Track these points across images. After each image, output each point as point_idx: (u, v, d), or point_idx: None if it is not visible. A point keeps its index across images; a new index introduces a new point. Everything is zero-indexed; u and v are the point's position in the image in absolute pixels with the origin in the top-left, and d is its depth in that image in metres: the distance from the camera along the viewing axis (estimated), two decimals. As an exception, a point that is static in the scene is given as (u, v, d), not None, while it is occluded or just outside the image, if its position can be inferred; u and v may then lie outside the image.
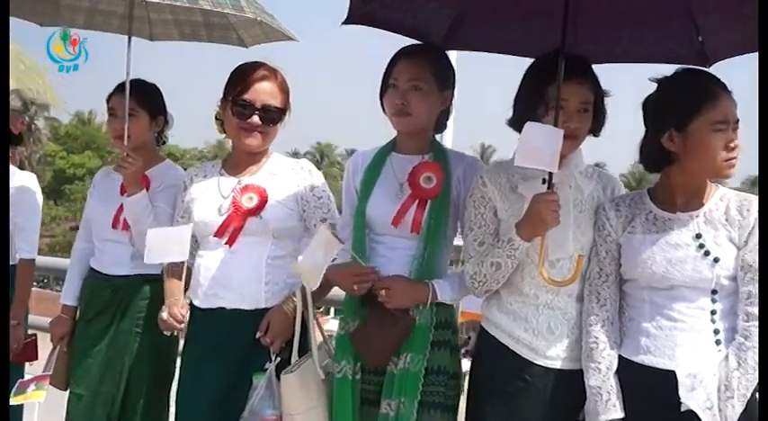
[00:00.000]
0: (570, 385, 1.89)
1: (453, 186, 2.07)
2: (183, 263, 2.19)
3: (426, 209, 2.03)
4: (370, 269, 1.99)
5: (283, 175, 2.29)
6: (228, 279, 2.20)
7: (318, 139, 63.30)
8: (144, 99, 2.55)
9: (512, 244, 1.85)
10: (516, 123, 1.94)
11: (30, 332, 3.07)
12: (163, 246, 2.12)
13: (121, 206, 2.50)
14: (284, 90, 2.27)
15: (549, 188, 1.80)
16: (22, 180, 3.00)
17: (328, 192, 2.31)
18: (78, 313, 2.64)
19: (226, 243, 2.20)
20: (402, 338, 1.96)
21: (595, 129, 1.95)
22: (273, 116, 2.23)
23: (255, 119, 2.21)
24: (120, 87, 2.57)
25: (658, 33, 2.12)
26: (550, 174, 1.79)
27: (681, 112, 1.78)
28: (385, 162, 2.14)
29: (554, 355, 1.90)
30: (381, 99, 2.10)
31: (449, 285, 2.02)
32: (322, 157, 62.21)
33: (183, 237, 2.13)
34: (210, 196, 2.28)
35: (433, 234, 2.02)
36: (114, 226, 2.52)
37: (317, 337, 2.19)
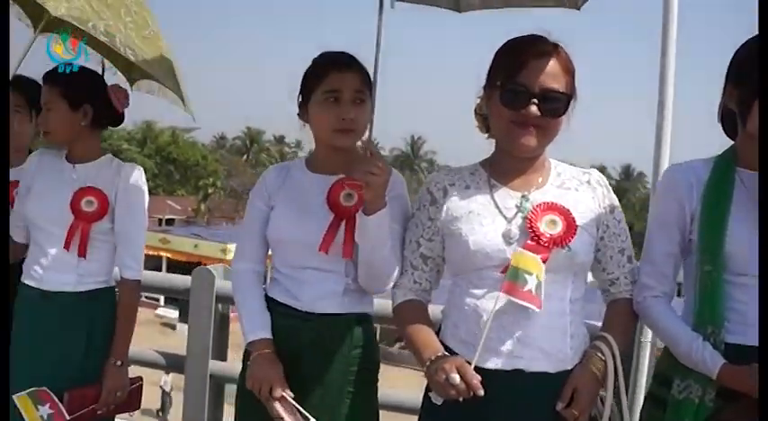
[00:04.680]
0: None
1: None
2: None
3: None
4: None
5: (577, 190, 1.75)
6: (529, 331, 1.63)
7: (248, 124, 61.72)
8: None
9: None
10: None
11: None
12: None
13: (333, 224, 1.85)
14: (569, 70, 1.70)
15: None
16: (131, 177, 2.29)
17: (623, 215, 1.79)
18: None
19: None
20: None
21: None
22: (557, 105, 1.67)
23: (533, 109, 1.65)
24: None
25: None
26: None
27: None
28: (734, 181, 1.65)
29: None
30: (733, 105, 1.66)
31: None
32: (252, 143, 60.53)
33: None
34: (487, 217, 1.70)
35: None
36: (323, 249, 1.84)
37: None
